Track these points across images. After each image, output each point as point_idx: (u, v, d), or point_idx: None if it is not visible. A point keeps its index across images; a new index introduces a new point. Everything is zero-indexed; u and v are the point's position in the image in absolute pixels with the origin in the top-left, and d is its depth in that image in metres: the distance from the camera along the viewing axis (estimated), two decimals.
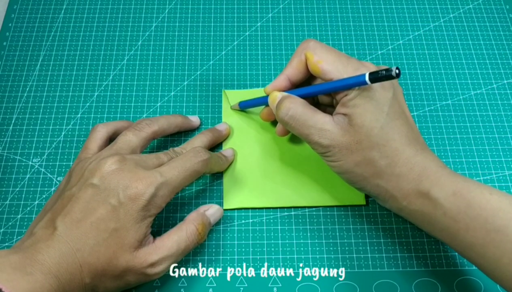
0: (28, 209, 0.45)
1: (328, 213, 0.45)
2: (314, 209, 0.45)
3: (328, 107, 0.43)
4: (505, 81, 0.52)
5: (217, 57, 0.53)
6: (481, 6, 0.58)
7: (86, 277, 0.35)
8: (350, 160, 0.38)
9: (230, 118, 0.49)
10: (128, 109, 0.50)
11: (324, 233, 0.44)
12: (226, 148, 0.47)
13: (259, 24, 0.56)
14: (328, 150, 0.38)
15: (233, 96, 0.50)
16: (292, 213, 0.45)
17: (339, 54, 0.39)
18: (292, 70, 0.41)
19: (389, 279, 0.42)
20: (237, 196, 0.45)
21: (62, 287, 0.34)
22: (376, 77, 0.35)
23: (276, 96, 0.41)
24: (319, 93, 0.40)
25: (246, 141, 0.48)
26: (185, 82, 0.52)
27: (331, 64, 0.39)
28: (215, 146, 0.48)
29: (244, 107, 0.48)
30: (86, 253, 0.35)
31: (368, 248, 0.43)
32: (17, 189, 0.46)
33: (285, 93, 0.41)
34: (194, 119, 0.48)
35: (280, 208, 0.45)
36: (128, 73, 0.52)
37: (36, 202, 0.45)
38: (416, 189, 0.37)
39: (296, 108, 0.39)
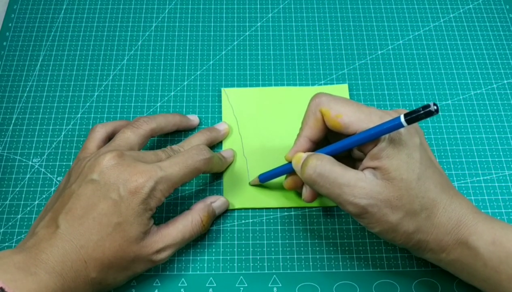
0: (28, 209, 0.45)
1: (328, 213, 0.45)
2: (314, 209, 0.45)
3: (345, 160, 0.39)
4: (505, 81, 0.52)
5: (217, 57, 0.53)
6: (481, 6, 0.58)
7: (92, 272, 0.35)
8: (391, 219, 0.35)
9: (229, 118, 0.49)
10: (128, 109, 0.50)
11: (324, 233, 0.44)
12: (226, 148, 0.47)
13: (259, 24, 0.56)
14: (365, 211, 0.35)
15: (232, 94, 0.50)
16: (292, 213, 0.45)
17: (357, 105, 0.37)
18: (311, 130, 0.38)
19: (389, 279, 0.42)
20: (237, 196, 0.45)
21: (67, 285, 0.34)
22: (413, 117, 0.32)
23: (301, 157, 0.38)
24: (351, 147, 0.37)
25: (246, 142, 0.48)
26: (185, 82, 0.52)
27: (352, 116, 0.36)
28: (214, 145, 0.48)
29: (264, 180, 0.44)
30: (91, 249, 0.35)
31: (368, 248, 0.43)
32: (17, 189, 0.46)
33: (310, 153, 0.38)
34: (193, 118, 0.49)
35: (280, 208, 0.45)
36: (128, 73, 0.52)
37: (36, 202, 0.45)
38: (454, 239, 0.35)
39: (324, 165, 0.35)
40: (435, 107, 0.31)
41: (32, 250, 0.34)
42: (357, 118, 0.36)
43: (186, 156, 0.40)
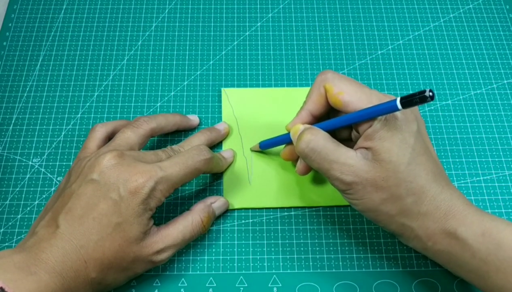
0: (28, 209, 0.45)
1: (328, 213, 0.45)
2: (314, 209, 0.45)
3: (345, 142, 0.39)
4: (505, 81, 0.52)
5: (217, 57, 0.53)
6: (481, 6, 0.58)
7: (92, 272, 0.35)
8: (375, 198, 0.36)
9: (229, 118, 0.49)
10: (128, 109, 0.50)
11: (324, 233, 0.44)
12: (226, 148, 0.47)
13: (259, 24, 0.56)
14: (350, 187, 0.36)
15: (232, 94, 0.50)
16: (292, 213, 0.45)
17: (360, 85, 0.38)
18: (313, 105, 0.39)
19: (389, 279, 0.42)
20: (237, 197, 0.45)
21: (66, 285, 0.34)
22: (408, 101, 0.32)
23: (298, 129, 0.39)
24: (345, 124, 0.38)
25: (246, 142, 0.48)
26: (185, 82, 0.52)
27: (353, 95, 0.37)
28: (214, 145, 0.48)
29: (264, 147, 0.46)
30: (91, 249, 0.35)
31: (368, 248, 0.43)
32: (17, 189, 0.46)
33: (308, 125, 0.39)
34: (193, 118, 0.49)
35: (280, 208, 0.45)
36: (128, 73, 0.52)
37: (36, 202, 0.45)
38: (442, 228, 0.35)
39: (318, 141, 0.37)
40: (431, 93, 0.31)
41: (32, 250, 0.34)
42: (357, 98, 0.37)
43: (187, 156, 0.40)
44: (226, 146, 0.48)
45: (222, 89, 0.51)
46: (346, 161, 0.36)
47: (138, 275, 0.39)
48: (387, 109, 0.34)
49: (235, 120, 0.49)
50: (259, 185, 0.46)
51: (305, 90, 0.51)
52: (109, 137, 0.44)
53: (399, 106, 0.33)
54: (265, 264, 0.43)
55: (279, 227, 0.44)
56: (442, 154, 0.48)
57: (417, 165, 0.35)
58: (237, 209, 0.45)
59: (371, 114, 0.35)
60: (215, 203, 0.43)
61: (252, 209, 0.45)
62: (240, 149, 0.48)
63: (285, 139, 0.43)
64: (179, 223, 0.40)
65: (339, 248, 0.43)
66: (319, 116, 0.40)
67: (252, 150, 0.47)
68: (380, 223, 0.38)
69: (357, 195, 0.36)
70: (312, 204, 0.45)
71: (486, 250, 0.34)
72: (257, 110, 0.50)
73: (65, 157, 0.47)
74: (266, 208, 0.45)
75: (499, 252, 0.33)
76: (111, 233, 0.36)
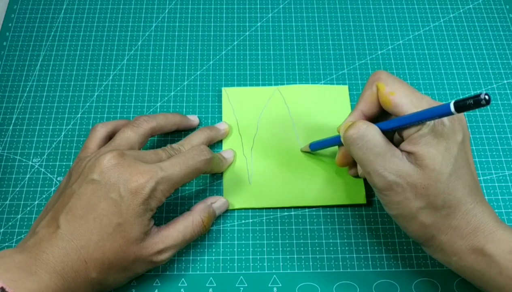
0: (28, 209, 0.45)
1: (328, 213, 0.45)
2: (314, 209, 0.45)
3: None
4: (505, 81, 0.52)
5: (217, 57, 0.53)
6: (481, 6, 0.58)
7: (92, 272, 0.35)
8: (412, 205, 0.35)
9: (229, 118, 0.49)
10: (128, 109, 0.50)
11: (324, 233, 0.44)
12: (226, 148, 0.47)
13: (259, 24, 0.56)
14: (390, 187, 0.35)
15: (232, 93, 0.50)
16: (292, 213, 0.45)
17: (412, 88, 0.37)
18: (365, 104, 0.39)
19: (389, 279, 0.42)
20: (237, 197, 0.45)
21: (67, 285, 0.34)
22: (462, 105, 0.31)
23: (348, 125, 0.37)
24: (398, 125, 0.36)
25: (246, 142, 0.48)
26: (185, 82, 0.52)
27: (405, 97, 0.36)
28: (214, 145, 0.48)
29: (315, 149, 0.45)
30: (91, 249, 0.35)
31: (368, 248, 0.43)
32: (17, 189, 0.46)
33: (361, 120, 0.38)
34: (193, 119, 0.49)
35: (280, 208, 0.45)
36: (128, 73, 0.52)
37: (36, 202, 0.45)
38: (469, 245, 0.35)
39: (369, 130, 0.35)
40: (486, 97, 0.29)
41: (32, 250, 0.34)
42: (409, 100, 0.36)
43: (187, 156, 0.40)
44: (226, 145, 0.48)
45: (223, 88, 0.51)
46: (392, 158, 0.35)
47: (138, 275, 0.39)
48: (441, 112, 0.33)
49: (235, 120, 0.49)
50: (259, 185, 0.46)
51: (305, 88, 0.51)
52: (110, 137, 0.44)
53: (453, 109, 0.32)
54: (265, 264, 0.43)
55: (279, 227, 0.44)
56: None
57: (457, 177, 0.35)
58: (237, 209, 0.45)
59: (424, 117, 0.34)
60: (216, 203, 0.43)
61: (252, 209, 0.45)
62: (240, 149, 0.48)
63: (335, 140, 0.42)
64: (180, 223, 0.40)
65: (339, 248, 0.43)
66: (371, 118, 0.39)
67: (303, 151, 0.47)
68: (411, 233, 0.37)
69: (395, 198, 0.35)
70: (312, 204, 0.45)
71: None
72: (258, 110, 0.50)
73: (65, 157, 0.47)
74: (266, 208, 0.45)
75: None
76: (112, 233, 0.36)
